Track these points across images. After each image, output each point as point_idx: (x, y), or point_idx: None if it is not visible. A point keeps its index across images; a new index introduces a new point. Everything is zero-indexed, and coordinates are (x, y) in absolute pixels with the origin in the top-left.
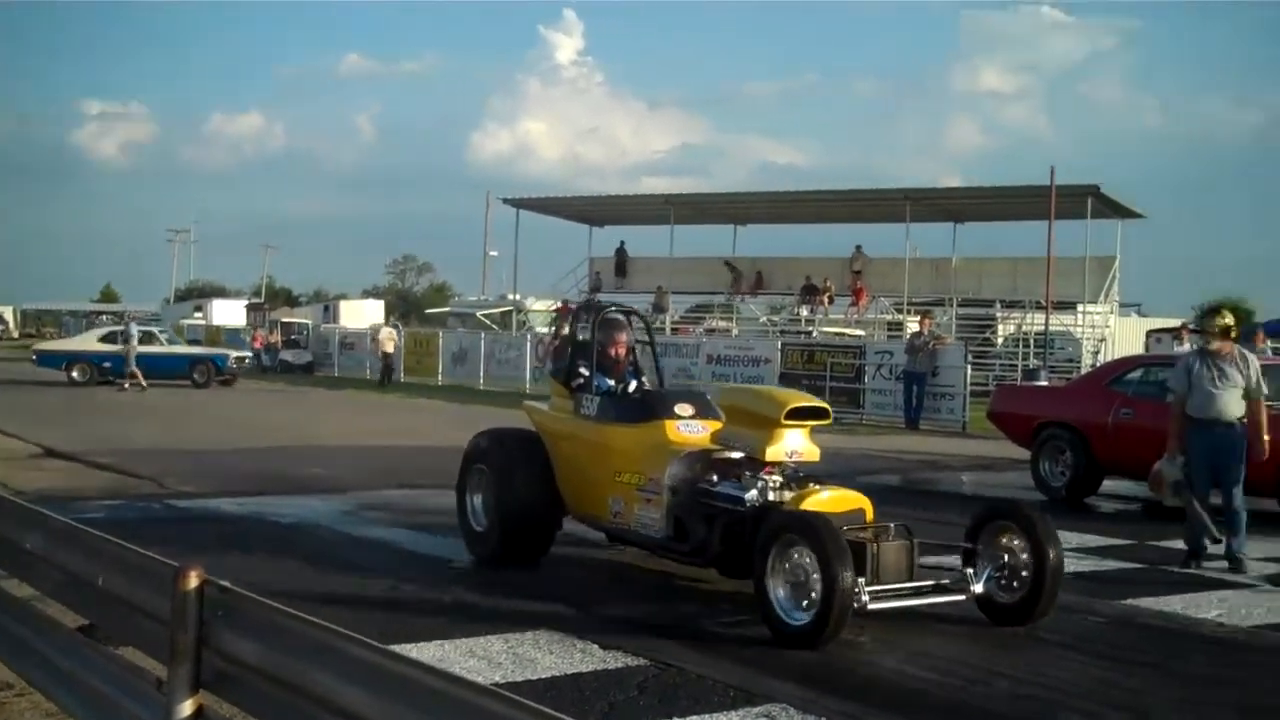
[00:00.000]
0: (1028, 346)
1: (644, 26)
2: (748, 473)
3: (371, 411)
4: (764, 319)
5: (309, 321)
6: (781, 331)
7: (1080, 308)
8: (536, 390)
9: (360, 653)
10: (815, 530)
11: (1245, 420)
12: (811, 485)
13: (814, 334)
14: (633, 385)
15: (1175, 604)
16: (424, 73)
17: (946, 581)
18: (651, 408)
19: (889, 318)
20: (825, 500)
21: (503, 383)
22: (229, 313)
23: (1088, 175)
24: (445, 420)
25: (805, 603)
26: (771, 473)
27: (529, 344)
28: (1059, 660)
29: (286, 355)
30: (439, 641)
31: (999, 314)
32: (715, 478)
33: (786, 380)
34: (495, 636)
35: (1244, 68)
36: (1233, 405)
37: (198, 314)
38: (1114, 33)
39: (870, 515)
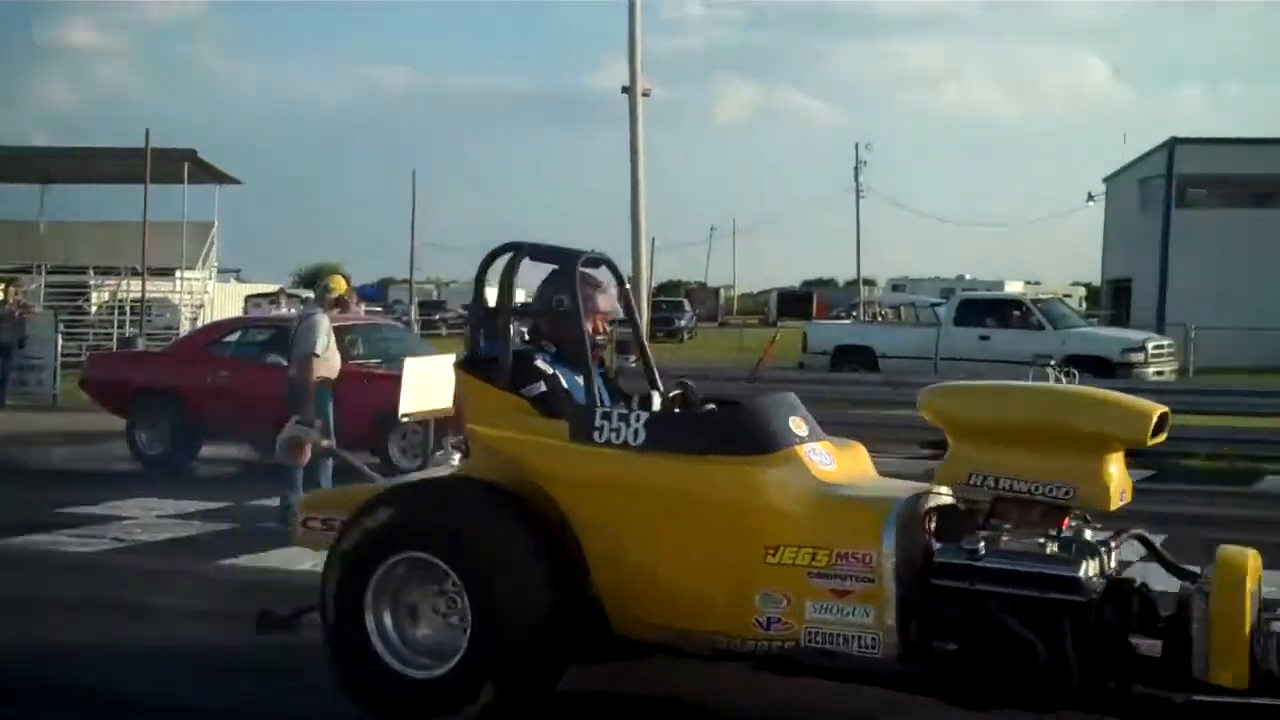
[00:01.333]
0: (124, 314)
1: None
2: (995, 529)
3: None
4: None
5: None
6: None
7: (179, 273)
8: None
9: None
10: None
11: None
12: (1131, 536)
13: None
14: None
15: (273, 559)
16: None
17: None
18: (767, 425)
19: None
20: (1254, 566)
21: None
22: None
23: (188, 140)
24: None
25: None
26: (1070, 526)
27: None
28: None
29: None
30: None
31: (93, 281)
32: (982, 546)
33: None
34: None
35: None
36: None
37: None
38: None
39: None
